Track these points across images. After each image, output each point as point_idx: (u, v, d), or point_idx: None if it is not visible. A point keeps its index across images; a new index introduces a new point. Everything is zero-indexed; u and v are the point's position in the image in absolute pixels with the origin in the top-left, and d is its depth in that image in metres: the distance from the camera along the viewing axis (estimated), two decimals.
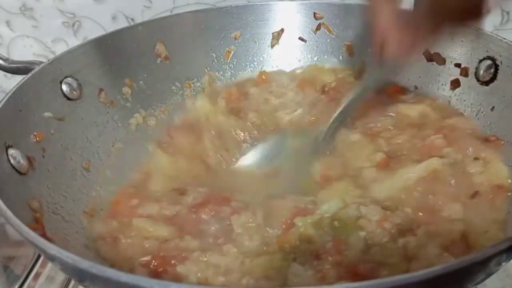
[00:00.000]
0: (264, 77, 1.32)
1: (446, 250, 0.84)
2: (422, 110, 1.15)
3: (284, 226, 0.91)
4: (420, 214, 0.92)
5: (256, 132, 1.17)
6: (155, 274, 0.84)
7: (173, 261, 0.86)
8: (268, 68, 1.35)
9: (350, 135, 1.10)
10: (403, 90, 1.25)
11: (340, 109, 1.08)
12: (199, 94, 1.26)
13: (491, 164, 1.00)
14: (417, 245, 0.85)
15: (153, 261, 0.86)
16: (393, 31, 0.85)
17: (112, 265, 0.88)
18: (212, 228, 0.92)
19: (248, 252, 0.88)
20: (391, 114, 1.16)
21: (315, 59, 1.34)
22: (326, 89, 1.26)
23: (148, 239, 0.92)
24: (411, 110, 1.16)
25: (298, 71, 1.34)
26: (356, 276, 0.81)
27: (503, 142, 1.04)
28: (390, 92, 1.24)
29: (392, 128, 1.12)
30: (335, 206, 0.93)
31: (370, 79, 1.06)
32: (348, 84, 1.26)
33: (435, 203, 0.94)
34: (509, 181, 0.97)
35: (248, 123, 1.19)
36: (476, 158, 1.01)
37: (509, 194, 0.95)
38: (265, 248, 0.88)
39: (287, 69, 1.35)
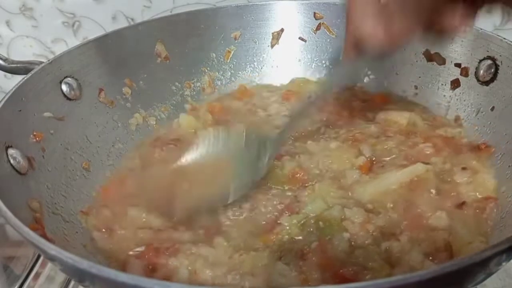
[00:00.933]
0: (245, 91, 1.33)
1: (429, 257, 0.84)
2: (411, 118, 1.15)
3: (269, 224, 0.92)
4: (404, 220, 0.92)
5: None
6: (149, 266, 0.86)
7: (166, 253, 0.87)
8: (268, 68, 1.35)
9: (330, 143, 1.10)
10: (391, 99, 1.26)
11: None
12: (181, 114, 1.24)
13: (479, 175, 1.00)
14: (400, 250, 0.85)
15: (147, 253, 0.88)
16: (370, 21, 0.77)
17: (108, 257, 0.90)
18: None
19: (237, 245, 0.89)
20: (378, 122, 1.16)
21: (315, 59, 1.34)
22: (312, 98, 1.25)
23: (142, 229, 0.93)
24: (400, 117, 1.16)
25: (283, 84, 1.35)
26: (339, 279, 0.81)
27: (493, 149, 1.04)
28: (378, 101, 1.26)
29: (377, 135, 1.12)
30: (319, 206, 0.94)
31: (332, 78, 1.07)
32: (336, 94, 1.26)
33: (420, 209, 0.94)
34: (495, 193, 0.97)
35: None
36: (464, 168, 1.01)
37: (495, 206, 0.94)
38: (252, 243, 0.89)
39: (287, 69, 1.36)
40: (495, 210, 0.93)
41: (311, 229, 0.90)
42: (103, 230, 0.94)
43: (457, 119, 1.16)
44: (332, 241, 0.87)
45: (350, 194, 0.97)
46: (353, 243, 0.87)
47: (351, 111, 1.21)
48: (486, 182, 0.99)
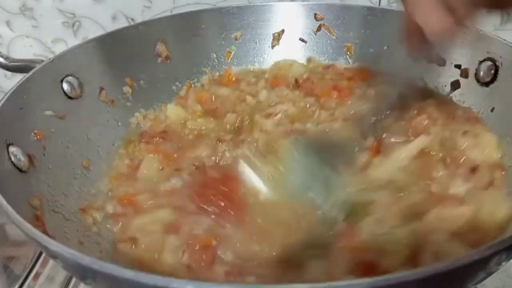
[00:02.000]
0: (230, 77, 1.32)
1: (457, 237, 0.83)
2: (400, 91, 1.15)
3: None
4: (427, 196, 0.92)
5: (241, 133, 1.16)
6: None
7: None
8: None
9: (331, 125, 1.12)
10: (375, 74, 1.27)
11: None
12: (168, 105, 1.24)
13: (481, 136, 1.02)
14: (426, 231, 0.85)
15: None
16: (434, 9, 0.77)
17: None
18: None
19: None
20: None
21: (315, 60, 1.34)
22: (300, 82, 1.27)
23: None
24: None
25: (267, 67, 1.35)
26: (362, 265, 0.82)
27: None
28: (363, 77, 1.27)
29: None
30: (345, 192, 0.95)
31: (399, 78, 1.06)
32: (320, 74, 1.29)
33: (438, 182, 0.95)
34: (500, 155, 0.99)
35: (228, 125, 1.18)
36: (465, 132, 1.02)
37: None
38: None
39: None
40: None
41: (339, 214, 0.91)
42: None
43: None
44: (359, 225, 0.88)
45: (366, 177, 0.98)
46: (379, 225, 0.88)
47: (339, 91, 1.22)
48: (489, 142, 1.01)
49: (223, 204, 0.94)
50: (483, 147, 1.00)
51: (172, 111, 1.22)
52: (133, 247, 0.90)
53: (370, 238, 0.86)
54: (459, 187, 0.93)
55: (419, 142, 1.01)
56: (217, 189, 0.97)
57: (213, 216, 0.93)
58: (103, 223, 0.96)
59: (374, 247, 0.84)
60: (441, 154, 1.00)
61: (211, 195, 0.95)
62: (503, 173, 0.96)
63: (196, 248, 0.87)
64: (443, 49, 0.97)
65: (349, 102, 1.18)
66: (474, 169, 0.96)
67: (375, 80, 1.23)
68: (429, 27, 0.78)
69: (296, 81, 1.27)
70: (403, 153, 1.00)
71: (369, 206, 0.91)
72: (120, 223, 0.96)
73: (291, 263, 0.84)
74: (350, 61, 1.33)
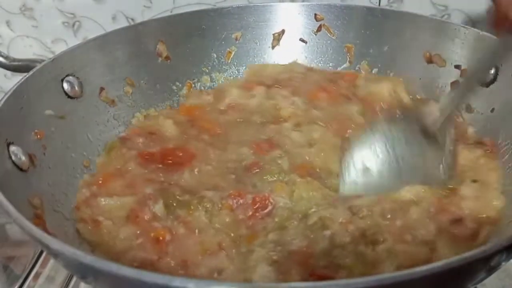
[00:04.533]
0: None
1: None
2: (391, 88, 1.16)
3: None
4: (389, 227, 0.88)
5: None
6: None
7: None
8: None
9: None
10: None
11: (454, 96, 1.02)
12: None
13: (488, 190, 0.94)
14: (374, 259, 0.83)
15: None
16: None
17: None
18: None
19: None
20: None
21: (315, 60, 1.35)
22: (281, 82, 1.27)
23: None
24: (381, 89, 1.18)
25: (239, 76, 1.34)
26: (316, 277, 0.81)
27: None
28: (348, 78, 1.28)
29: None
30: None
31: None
32: (302, 74, 1.29)
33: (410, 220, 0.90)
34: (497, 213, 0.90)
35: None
36: (474, 181, 0.96)
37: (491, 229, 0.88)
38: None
39: None
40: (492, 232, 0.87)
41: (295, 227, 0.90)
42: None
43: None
44: (314, 239, 0.87)
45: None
46: (333, 241, 0.86)
47: (328, 92, 1.23)
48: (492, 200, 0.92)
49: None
50: (483, 202, 0.92)
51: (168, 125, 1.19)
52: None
53: (323, 251, 0.85)
54: (426, 233, 0.87)
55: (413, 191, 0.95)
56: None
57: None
58: None
59: (328, 261, 0.83)
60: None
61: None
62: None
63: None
64: None
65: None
66: (457, 221, 0.89)
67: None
68: None
69: (277, 81, 1.27)
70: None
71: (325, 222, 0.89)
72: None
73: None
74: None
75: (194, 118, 1.19)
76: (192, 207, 0.92)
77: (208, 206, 0.92)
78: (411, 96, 1.18)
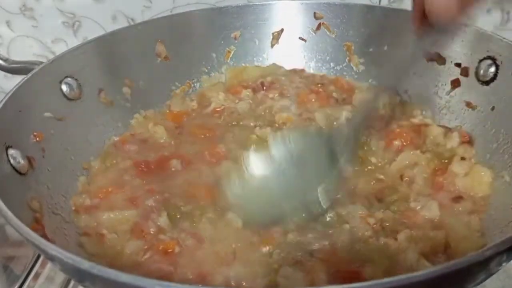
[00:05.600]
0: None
1: (425, 257, 0.84)
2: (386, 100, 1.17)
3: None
4: (402, 216, 0.93)
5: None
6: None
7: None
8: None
9: None
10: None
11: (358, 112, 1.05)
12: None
13: (476, 168, 1.01)
14: (397, 249, 0.85)
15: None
16: None
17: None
18: None
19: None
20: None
21: (315, 59, 1.34)
22: (265, 84, 1.27)
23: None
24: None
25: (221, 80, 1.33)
26: (343, 274, 0.82)
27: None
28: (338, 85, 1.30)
29: None
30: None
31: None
32: (284, 77, 1.30)
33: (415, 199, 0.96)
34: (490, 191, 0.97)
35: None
36: (463, 158, 1.03)
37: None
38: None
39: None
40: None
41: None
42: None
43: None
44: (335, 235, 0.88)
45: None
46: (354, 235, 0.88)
47: (316, 93, 1.25)
48: (482, 175, 0.99)
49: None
50: (474, 179, 0.99)
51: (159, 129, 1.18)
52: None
53: (347, 247, 0.86)
54: (432, 213, 0.93)
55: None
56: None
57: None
58: None
59: (352, 255, 0.85)
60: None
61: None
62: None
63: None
64: (445, 36, 0.94)
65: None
66: (457, 199, 0.96)
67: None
68: (434, 7, 0.79)
69: (262, 83, 1.27)
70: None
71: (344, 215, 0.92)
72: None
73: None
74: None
75: (183, 124, 1.20)
76: (195, 219, 0.93)
77: (211, 216, 0.93)
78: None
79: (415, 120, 1.15)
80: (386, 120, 1.14)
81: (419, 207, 0.94)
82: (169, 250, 0.87)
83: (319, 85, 1.28)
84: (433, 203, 0.94)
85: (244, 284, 0.82)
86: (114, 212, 0.94)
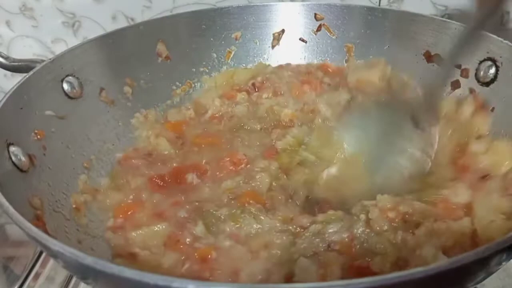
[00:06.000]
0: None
1: (448, 251, 0.83)
2: (380, 75, 1.16)
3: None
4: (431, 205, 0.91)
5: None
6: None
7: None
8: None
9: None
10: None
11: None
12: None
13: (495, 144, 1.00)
14: (414, 244, 0.85)
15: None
16: None
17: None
18: None
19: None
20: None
21: (315, 60, 1.35)
22: (256, 85, 1.27)
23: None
24: (371, 75, 1.18)
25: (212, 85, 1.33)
26: (356, 270, 0.82)
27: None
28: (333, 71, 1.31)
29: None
30: None
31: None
32: (273, 74, 1.30)
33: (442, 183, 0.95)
34: None
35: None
36: (478, 137, 1.03)
37: None
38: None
39: None
40: None
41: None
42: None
43: None
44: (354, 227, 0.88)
45: None
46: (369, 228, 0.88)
47: (309, 83, 1.26)
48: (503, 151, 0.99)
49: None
50: (496, 155, 0.98)
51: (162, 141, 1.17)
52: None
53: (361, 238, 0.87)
54: (462, 195, 0.92)
55: None
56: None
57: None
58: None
59: (365, 248, 0.85)
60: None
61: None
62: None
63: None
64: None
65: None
66: (484, 177, 0.95)
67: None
68: None
69: (254, 84, 1.27)
70: None
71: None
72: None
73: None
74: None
75: (184, 135, 1.19)
76: (239, 219, 0.92)
77: (253, 211, 0.93)
78: (397, 80, 1.18)
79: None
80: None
81: (447, 192, 0.93)
82: (207, 257, 0.87)
83: (308, 74, 1.29)
84: (461, 186, 0.93)
85: (262, 277, 0.83)
86: (144, 229, 0.93)
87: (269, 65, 1.35)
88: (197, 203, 0.96)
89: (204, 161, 1.09)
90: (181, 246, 0.89)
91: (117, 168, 1.10)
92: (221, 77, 1.32)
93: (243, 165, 1.07)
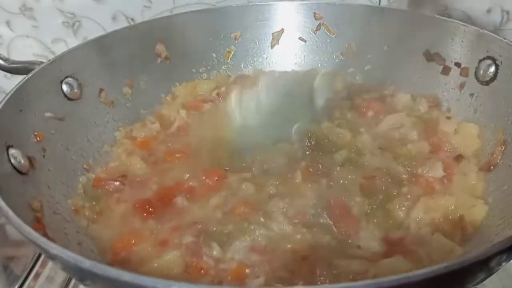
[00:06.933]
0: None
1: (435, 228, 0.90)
2: None
3: None
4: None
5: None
6: None
7: None
8: (268, 69, 1.36)
9: None
10: None
11: None
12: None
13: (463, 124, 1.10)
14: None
15: None
16: None
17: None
18: None
19: None
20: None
21: (315, 59, 1.35)
22: (221, 95, 1.27)
23: None
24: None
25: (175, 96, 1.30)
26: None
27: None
28: None
29: None
30: None
31: None
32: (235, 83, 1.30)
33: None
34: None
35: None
36: (448, 117, 1.13)
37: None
38: None
39: (287, 69, 1.36)
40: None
41: None
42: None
43: None
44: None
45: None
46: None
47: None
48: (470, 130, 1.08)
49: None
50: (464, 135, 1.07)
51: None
52: None
53: None
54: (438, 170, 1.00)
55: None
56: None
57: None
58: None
59: None
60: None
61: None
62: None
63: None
64: None
65: None
66: (457, 158, 1.03)
67: None
68: None
69: (218, 94, 1.27)
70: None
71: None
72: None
73: None
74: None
75: (155, 152, 1.14)
76: (249, 231, 0.90)
77: (262, 220, 0.92)
78: None
79: (385, 92, 1.24)
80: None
81: (425, 170, 1.00)
82: (246, 271, 0.85)
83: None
84: (436, 162, 1.01)
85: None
86: (158, 261, 0.87)
87: (230, 75, 1.34)
88: (198, 225, 0.92)
89: (186, 178, 1.04)
90: (208, 271, 0.86)
91: (95, 192, 1.04)
92: (183, 89, 1.29)
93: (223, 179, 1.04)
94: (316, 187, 0.97)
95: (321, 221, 0.91)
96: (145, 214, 0.97)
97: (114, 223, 0.97)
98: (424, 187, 0.98)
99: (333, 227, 0.90)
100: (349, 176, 0.99)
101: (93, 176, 1.06)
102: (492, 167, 0.99)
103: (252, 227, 0.90)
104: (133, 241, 0.92)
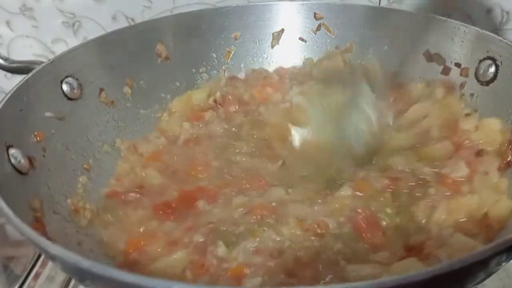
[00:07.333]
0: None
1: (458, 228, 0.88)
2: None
3: None
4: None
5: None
6: None
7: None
8: (268, 69, 1.36)
9: None
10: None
11: None
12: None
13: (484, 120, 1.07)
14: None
15: None
16: None
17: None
18: None
19: None
20: None
21: (315, 59, 1.34)
22: (219, 101, 1.27)
23: None
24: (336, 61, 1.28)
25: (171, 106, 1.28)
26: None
27: None
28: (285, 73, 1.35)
29: None
30: None
31: None
32: (230, 87, 1.30)
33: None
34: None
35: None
36: (467, 114, 1.10)
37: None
38: None
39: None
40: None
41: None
42: None
43: None
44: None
45: None
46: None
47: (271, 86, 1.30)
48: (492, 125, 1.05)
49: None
50: (486, 131, 1.04)
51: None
52: None
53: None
54: (460, 171, 0.98)
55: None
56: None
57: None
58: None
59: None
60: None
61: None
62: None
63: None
64: None
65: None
66: (479, 153, 1.01)
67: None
68: None
69: (215, 101, 1.27)
70: None
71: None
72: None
73: None
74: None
75: (169, 164, 1.13)
76: (258, 233, 0.90)
77: (271, 222, 0.92)
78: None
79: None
80: None
81: (448, 171, 0.99)
82: (244, 271, 0.84)
83: (264, 78, 1.31)
84: (459, 162, 0.99)
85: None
86: (163, 260, 0.88)
87: (220, 79, 1.33)
88: (211, 225, 0.92)
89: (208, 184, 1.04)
90: (209, 269, 0.85)
91: (109, 203, 1.03)
92: (178, 103, 1.27)
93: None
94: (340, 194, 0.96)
95: (345, 230, 0.90)
96: (164, 216, 0.98)
97: (129, 227, 0.97)
98: (450, 187, 0.96)
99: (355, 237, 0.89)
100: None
101: (105, 190, 1.06)
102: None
103: (261, 229, 0.90)
104: (146, 242, 0.92)
